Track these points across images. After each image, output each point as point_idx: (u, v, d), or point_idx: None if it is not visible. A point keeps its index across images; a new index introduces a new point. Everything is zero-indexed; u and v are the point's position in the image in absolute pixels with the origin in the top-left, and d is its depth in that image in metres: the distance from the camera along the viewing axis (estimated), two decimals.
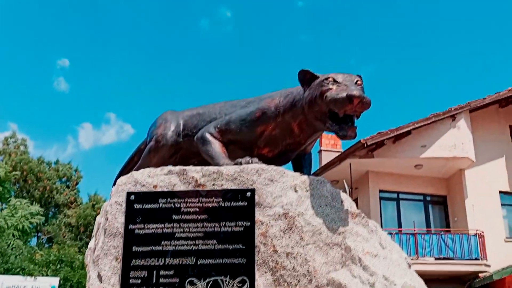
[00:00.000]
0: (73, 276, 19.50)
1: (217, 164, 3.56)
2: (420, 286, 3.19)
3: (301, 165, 4.03)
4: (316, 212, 3.24)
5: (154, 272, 3.10)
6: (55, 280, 16.85)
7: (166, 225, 3.19)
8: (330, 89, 3.22)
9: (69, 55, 60.96)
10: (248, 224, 3.16)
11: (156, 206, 3.25)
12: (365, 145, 17.63)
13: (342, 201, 3.40)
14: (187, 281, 3.07)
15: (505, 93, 19.73)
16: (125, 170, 4.74)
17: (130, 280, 3.10)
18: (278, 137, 3.71)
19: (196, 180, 3.30)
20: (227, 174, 3.31)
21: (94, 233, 3.65)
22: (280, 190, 3.27)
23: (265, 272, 3.07)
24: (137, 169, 3.90)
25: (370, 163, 19.06)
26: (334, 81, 3.27)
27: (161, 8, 64.18)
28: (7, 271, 17.07)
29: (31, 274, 16.78)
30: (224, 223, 3.17)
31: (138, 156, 4.54)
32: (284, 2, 65.31)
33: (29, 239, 23.23)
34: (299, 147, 3.82)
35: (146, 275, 3.09)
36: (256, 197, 3.22)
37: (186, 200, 3.24)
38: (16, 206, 18.04)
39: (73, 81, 60.27)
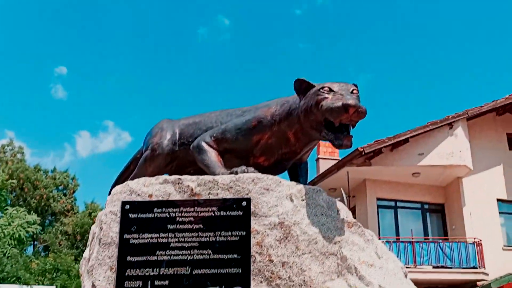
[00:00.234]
0: (70, 285, 19.43)
1: (213, 173, 3.55)
2: None
3: (297, 174, 4.02)
4: (312, 222, 3.22)
5: (149, 282, 3.07)
6: None
7: (161, 234, 3.17)
8: (326, 98, 3.22)
9: (66, 62, 61.07)
10: (244, 233, 3.14)
11: (151, 215, 3.23)
12: (363, 153, 17.63)
13: (338, 210, 3.39)
14: None
15: (502, 101, 19.79)
16: (121, 179, 4.72)
17: None
18: (274, 146, 3.70)
19: (192, 189, 3.29)
20: (222, 183, 3.30)
21: (89, 242, 3.63)
22: (275, 200, 3.25)
23: (261, 282, 3.05)
24: (133, 178, 3.89)
25: (367, 171, 19.05)
26: (330, 90, 3.26)
27: (159, 16, 64.40)
28: (2, 280, 16.98)
29: (27, 283, 16.70)
30: (219, 233, 3.16)
31: (134, 165, 4.53)
32: (282, 10, 65.62)
33: (25, 248, 23.13)
34: (295, 156, 3.81)
35: (140, 285, 3.07)
36: (252, 206, 3.21)
37: (181, 210, 3.22)
38: (12, 215, 17.97)
39: (71, 88, 60.33)
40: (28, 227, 17.58)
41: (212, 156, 3.73)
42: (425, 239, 19.03)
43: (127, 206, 3.26)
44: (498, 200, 19.68)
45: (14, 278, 17.36)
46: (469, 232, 18.57)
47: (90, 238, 3.61)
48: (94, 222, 3.69)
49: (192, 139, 4.04)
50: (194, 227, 3.17)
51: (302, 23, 66.02)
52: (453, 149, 18.64)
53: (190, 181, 3.32)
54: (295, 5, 66.45)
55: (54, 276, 20.20)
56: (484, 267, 17.99)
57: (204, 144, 3.80)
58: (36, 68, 58.47)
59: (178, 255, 3.12)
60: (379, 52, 62.04)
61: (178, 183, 3.32)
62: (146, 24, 63.85)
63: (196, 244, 3.14)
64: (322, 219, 3.26)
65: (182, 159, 4.19)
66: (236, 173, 3.39)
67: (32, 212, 20.95)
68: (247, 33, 66.88)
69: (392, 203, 19.84)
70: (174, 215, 3.21)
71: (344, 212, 3.42)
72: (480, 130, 20.19)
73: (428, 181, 19.74)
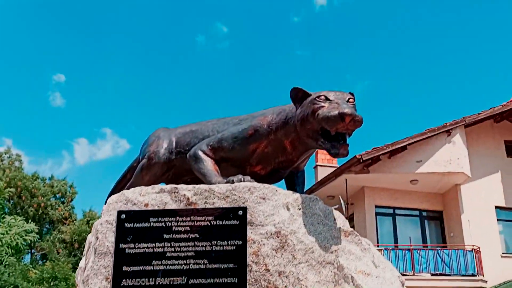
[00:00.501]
0: None
1: (209, 182, 3.54)
2: None
3: (294, 182, 4.02)
4: (309, 231, 3.21)
5: None
6: None
7: (157, 244, 3.15)
8: (322, 107, 3.22)
9: (65, 70, 61.09)
10: (240, 243, 3.13)
11: (147, 225, 3.22)
12: (361, 160, 17.64)
13: (335, 219, 3.38)
14: None
15: (500, 108, 19.84)
16: (117, 188, 4.71)
17: None
18: (271, 154, 3.70)
19: (188, 199, 3.28)
20: (219, 192, 3.29)
21: (85, 252, 3.61)
22: (272, 209, 3.25)
23: None
24: (130, 187, 3.89)
25: (365, 179, 19.05)
26: (326, 98, 3.27)
27: (158, 24, 64.55)
28: None
29: None
30: (215, 242, 3.14)
31: (131, 174, 4.52)
32: (280, 17, 65.81)
33: (22, 256, 23.03)
34: (291, 165, 3.80)
35: None
36: (248, 215, 3.20)
37: (177, 219, 3.21)
38: (10, 224, 17.91)
39: (69, 96, 60.35)
40: (26, 235, 17.52)
41: (208, 165, 3.72)
42: (423, 246, 19.00)
43: (123, 216, 3.25)
44: (496, 207, 19.68)
45: (12, 287, 17.28)
46: (467, 240, 18.56)
47: (86, 248, 3.59)
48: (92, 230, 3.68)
49: (188, 148, 4.04)
50: (190, 237, 3.16)
51: (300, 30, 66.27)
52: (451, 156, 18.65)
53: (186, 190, 3.31)
54: (293, 13, 66.74)
55: (52, 284, 20.10)
56: (483, 275, 17.95)
57: (200, 153, 3.80)
58: (34, 76, 58.55)
59: (174, 264, 3.10)
60: (376, 59, 62.24)
61: (174, 192, 3.31)
62: (144, 31, 64.01)
63: (192, 253, 3.12)
64: (319, 228, 3.25)
65: (178, 167, 4.18)
66: (233, 182, 3.38)
67: (29, 220, 20.87)
68: (245, 41, 67.07)
69: (391, 211, 19.83)
70: (170, 224, 3.20)
71: (341, 221, 3.42)
72: (477, 137, 20.23)
73: (426, 188, 19.74)
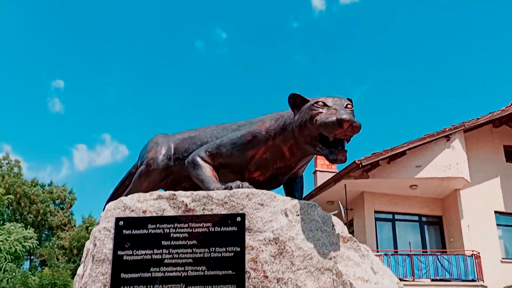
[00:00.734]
0: None
1: (208, 188, 3.54)
2: None
3: (293, 188, 4.01)
4: (307, 237, 3.21)
5: None
6: None
7: (155, 251, 3.15)
8: (320, 112, 3.22)
9: (64, 76, 61.11)
10: (238, 249, 3.13)
11: (145, 231, 3.21)
12: (360, 165, 17.62)
13: (333, 225, 3.38)
14: None
15: (499, 113, 19.84)
16: (116, 194, 4.71)
17: None
18: (269, 160, 3.70)
19: (186, 205, 3.27)
20: (217, 198, 3.29)
21: (83, 259, 3.60)
22: (270, 215, 3.24)
23: None
24: (128, 193, 3.89)
25: (365, 184, 19.03)
26: (324, 104, 3.27)
27: (157, 29, 64.65)
28: None
29: None
30: (214, 249, 3.14)
31: (129, 180, 4.51)
32: (279, 23, 65.91)
33: (21, 263, 22.98)
34: (290, 171, 3.80)
35: None
36: (246, 222, 3.20)
37: (175, 226, 3.21)
38: (10, 230, 17.91)
39: (68, 102, 60.36)
40: (25, 241, 17.50)
41: (207, 171, 3.72)
42: (423, 252, 18.97)
43: (121, 222, 3.25)
44: (496, 212, 19.64)
45: None
46: (467, 245, 18.52)
47: (84, 255, 3.59)
48: None
49: (187, 154, 4.04)
50: (189, 243, 3.16)
51: (299, 36, 66.33)
52: (450, 161, 18.64)
53: (184, 196, 3.31)
54: (292, 18, 66.84)
55: None
56: (483, 280, 17.90)
57: (199, 159, 3.80)
58: (33, 82, 58.51)
59: (172, 271, 3.10)
60: (375, 65, 62.34)
61: (173, 199, 3.31)
62: (143, 37, 64.12)
63: (191, 260, 3.12)
64: (317, 235, 3.25)
65: (177, 174, 4.18)
66: (231, 188, 3.38)
67: (28, 226, 20.85)
68: (244, 46, 67.15)
69: (390, 216, 19.80)
70: (168, 231, 3.20)
71: (340, 227, 3.41)
72: (477, 142, 20.22)
73: (426, 193, 19.72)
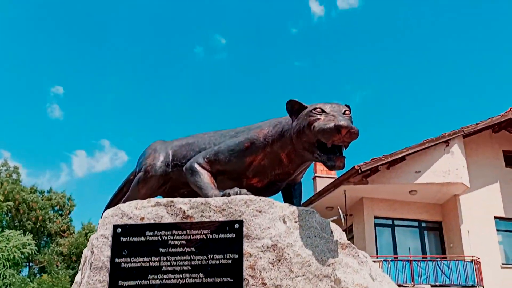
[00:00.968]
0: None
1: (206, 195, 3.53)
2: None
3: (291, 195, 4.00)
4: (305, 244, 3.19)
5: None
6: None
7: (153, 258, 3.13)
8: (318, 119, 3.22)
9: (63, 82, 61.15)
10: (236, 256, 3.11)
11: (143, 239, 3.20)
12: (360, 171, 17.62)
13: (331, 232, 3.36)
14: None
15: (498, 118, 19.86)
16: (114, 201, 4.70)
17: None
18: (267, 167, 3.69)
19: (184, 212, 3.26)
20: (215, 205, 3.28)
21: (81, 266, 3.59)
22: (268, 222, 3.23)
23: None
24: (126, 200, 3.87)
25: (364, 190, 19.02)
26: (322, 111, 3.26)
27: (156, 36, 64.77)
28: None
29: None
30: (212, 256, 3.12)
31: (128, 187, 4.51)
32: (278, 29, 66.09)
33: (20, 270, 22.91)
34: (288, 177, 3.79)
35: None
36: (245, 228, 3.18)
37: (173, 233, 3.19)
38: (9, 237, 17.87)
39: (67, 108, 60.36)
40: (23, 248, 17.46)
41: (205, 178, 3.71)
42: (423, 257, 18.93)
43: (119, 230, 3.23)
44: (495, 217, 19.63)
45: None
46: (467, 250, 18.49)
47: (82, 262, 3.57)
48: None
49: (185, 161, 4.03)
50: (186, 250, 3.14)
51: (298, 41, 66.48)
52: (449, 166, 18.65)
53: (182, 203, 3.30)
54: (291, 24, 67.04)
55: None
56: (483, 286, 17.87)
57: (197, 166, 3.79)
58: (32, 88, 58.57)
59: (170, 279, 3.08)
60: (375, 70, 62.45)
61: (170, 206, 3.30)
62: (142, 43, 64.22)
63: (188, 267, 3.10)
64: (316, 241, 3.23)
65: (175, 180, 4.17)
66: (229, 195, 3.37)
67: (27, 233, 20.80)
68: (243, 52, 67.29)
69: (390, 222, 19.78)
70: (166, 238, 3.18)
71: (338, 233, 3.40)
72: (476, 148, 20.23)
73: (425, 199, 19.71)
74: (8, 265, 17.11)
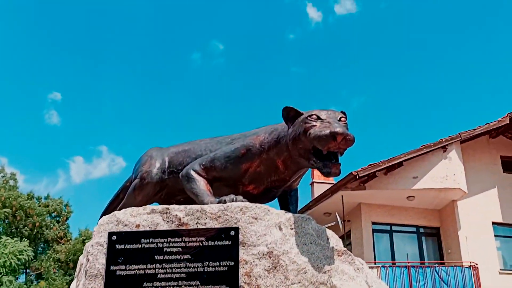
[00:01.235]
0: None
1: (202, 202, 3.52)
2: None
3: (287, 202, 4.00)
4: (301, 251, 3.19)
5: None
6: None
7: (148, 265, 3.12)
8: (314, 126, 3.22)
9: (61, 88, 61.10)
10: (232, 263, 3.11)
11: (138, 246, 3.19)
12: (357, 177, 17.61)
13: (327, 239, 3.36)
14: None
15: (495, 123, 19.88)
16: (110, 208, 4.69)
17: None
18: (263, 174, 3.69)
19: (180, 219, 3.26)
20: (210, 212, 3.27)
21: (76, 273, 3.58)
22: (264, 229, 3.22)
23: None
24: (122, 207, 3.87)
25: (362, 195, 19.01)
26: (318, 118, 3.27)
27: (153, 42, 64.83)
28: None
29: None
30: (207, 263, 3.11)
31: (124, 194, 4.50)
32: (275, 34, 66.12)
33: (17, 276, 22.82)
34: (284, 184, 3.79)
35: None
36: (240, 236, 3.18)
37: (169, 240, 3.19)
38: (6, 244, 17.83)
39: (65, 114, 60.32)
40: (20, 254, 17.40)
41: (201, 184, 3.71)
42: (421, 263, 18.90)
43: (114, 237, 3.22)
44: (493, 223, 19.61)
45: None
46: (465, 256, 18.47)
47: (77, 269, 3.56)
48: None
49: (181, 167, 4.03)
50: (182, 258, 3.13)
51: (296, 47, 66.53)
52: (447, 172, 18.64)
53: (178, 210, 3.29)
54: (289, 30, 67.13)
55: None
56: None
57: (193, 173, 3.78)
58: (29, 94, 58.49)
59: (166, 286, 3.07)
60: (372, 75, 62.53)
61: (166, 213, 3.29)
62: (139, 49, 64.25)
63: (184, 275, 3.09)
64: (312, 248, 3.23)
65: (171, 187, 4.17)
66: (225, 202, 3.37)
67: (24, 239, 20.73)
68: (241, 58, 67.33)
69: (387, 227, 19.75)
70: (161, 245, 3.18)
71: (334, 240, 3.39)
72: (473, 153, 20.25)
73: (423, 204, 19.70)
74: (5, 272, 17.05)
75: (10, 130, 54.10)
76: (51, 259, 30.59)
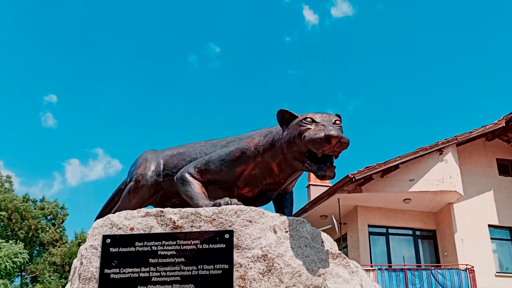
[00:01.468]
0: None
1: (196, 205, 3.51)
2: None
3: (282, 205, 3.99)
4: (296, 254, 3.18)
5: None
6: None
7: (143, 269, 3.11)
8: (309, 129, 3.22)
9: (57, 91, 61.03)
10: (226, 266, 3.10)
11: (132, 249, 3.17)
12: (353, 179, 17.61)
13: (322, 242, 3.35)
14: None
15: (491, 126, 19.93)
16: (105, 211, 4.68)
17: None
18: (258, 177, 3.68)
19: (174, 222, 3.25)
20: (205, 215, 3.26)
21: (70, 277, 3.56)
22: (259, 232, 3.22)
23: None
24: (117, 210, 3.85)
25: (358, 198, 19.01)
26: (313, 121, 3.27)
27: (150, 44, 64.83)
28: None
29: None
30: (202, 266, 3.10)
31: (119, 197, 4.49)
32: (272, 37, 66.25)
33: (12, 279, 22.73)
34: (279, 187, 3.78)
35: None
36: (235, 239, 3.17)
37: (163, 243, 3.17)
38: (1, 247, 17.76)
39: (61, 117, 60.19)
40: (15, 257, 17.34)
41: (195, 187, 3.70)
42: (417, 266, 18.91)
43: (108, 240, 3.21)
44: (489, 226, 19.65)
45: None
46: (461, 259, 18.49)
47: (71, 273, 3.54)
48: None
49: (176, 170, 4.02)
50: (176, 261, 3.12)
51: (292, 50, 66.64)
52: (443, 175, 18.66)
53: (172, 213, 3.28)
54: (285, 33, 67.20)
55: None
56: None
57: (187, 176, 3.78)
58: (25, 96, 58.39)
59: None
60: (369, 78, 62.65)
61: (160, 216, 3.28)
62: (136, 52, 64.24)
63: (178, 278, 3.08)
64: (306, 251, 3.22)
65: (166, 190, 4.16)
66: (219, 205, 3.36)
67: (19, 242, 20.66)
68: (237, 61, 67.39)
69: (384, 230, 19.75)
70: (156, 248, 3.16)
71: (329, 243, 3.39)
72: (470, 156, 20.29)
73: (419, 207, 19.71)
74: (0, 275, 16.98)
75: (6, 132, 53.94)
76: (46, 262, 30.50)
